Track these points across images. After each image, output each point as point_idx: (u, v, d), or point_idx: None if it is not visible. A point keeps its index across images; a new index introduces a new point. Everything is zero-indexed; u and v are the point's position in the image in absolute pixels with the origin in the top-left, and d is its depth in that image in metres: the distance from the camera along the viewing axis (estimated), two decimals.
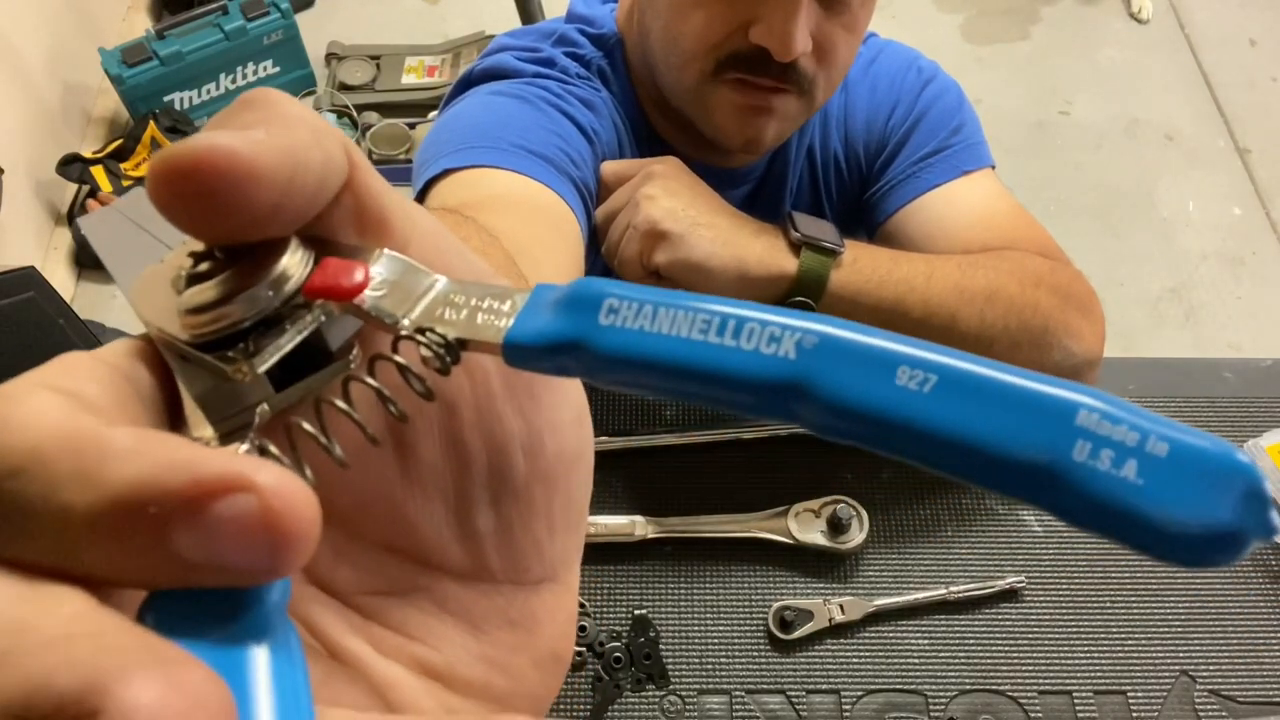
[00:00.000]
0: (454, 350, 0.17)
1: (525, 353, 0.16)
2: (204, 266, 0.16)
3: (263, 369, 0.16)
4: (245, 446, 0.16)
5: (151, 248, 0.18)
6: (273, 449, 0.16)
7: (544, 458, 0.20)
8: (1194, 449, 0.12)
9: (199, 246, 0.17)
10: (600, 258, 0.73)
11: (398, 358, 0.17)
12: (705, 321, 0.15)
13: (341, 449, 0.17)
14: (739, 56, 0.66)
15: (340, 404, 0.17)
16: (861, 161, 0.82)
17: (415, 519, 0.19)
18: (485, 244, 0.47)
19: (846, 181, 0.84)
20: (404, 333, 0.17)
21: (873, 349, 0.14)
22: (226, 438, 0.16)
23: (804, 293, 0.67)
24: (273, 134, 0.15)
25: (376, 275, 0.17)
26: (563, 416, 0.20)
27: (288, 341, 0.16)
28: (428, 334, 0.17)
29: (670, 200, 0.68)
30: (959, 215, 0.76)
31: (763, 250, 0.68)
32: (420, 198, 0.65)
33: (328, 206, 0.16)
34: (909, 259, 0.70)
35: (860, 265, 0.68)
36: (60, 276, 2.03)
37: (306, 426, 0.16)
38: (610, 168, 0.72)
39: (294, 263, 0.16)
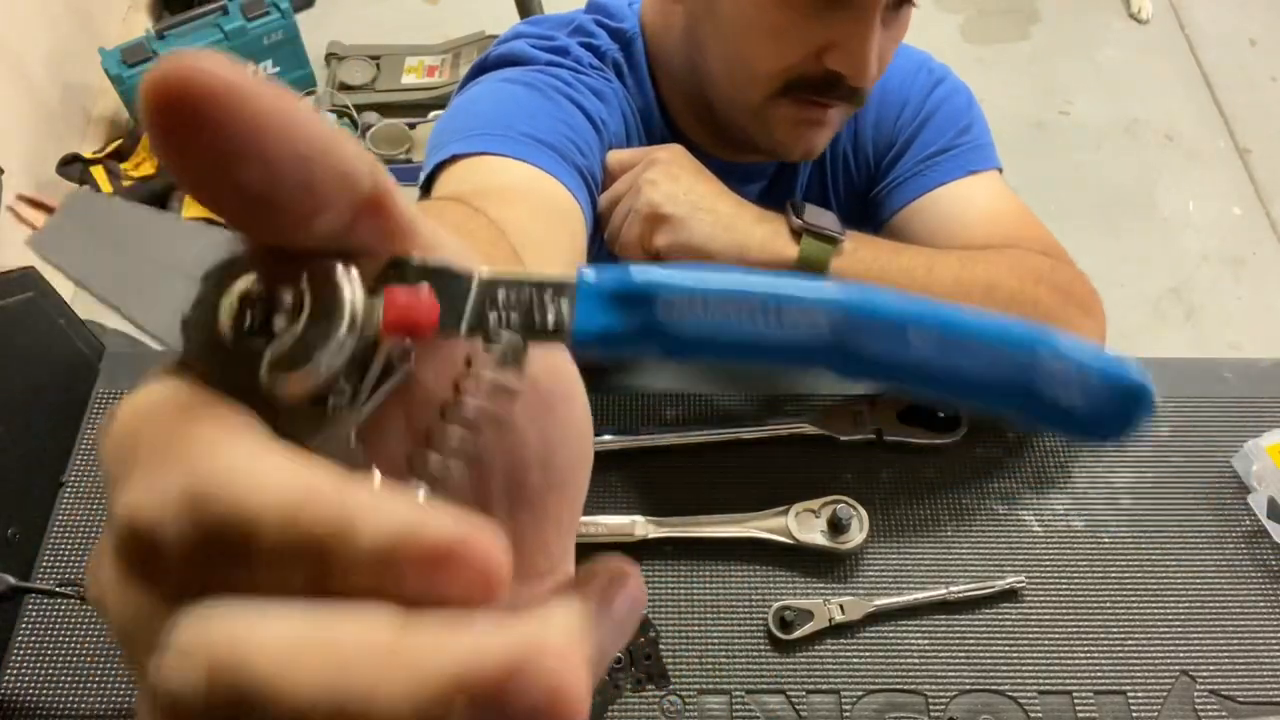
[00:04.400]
0: (521, 352, 0.17)
1: (590, 344, 0.18)
2: (257, 310, 0.16)
3: (366, 413, 0.16)
4: (422, 492, 0.17)
5: (136, 264, 0.17)
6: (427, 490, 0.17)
7: (557, 469, 0.20)
8: (1111, 374, 0.18)
9: (212, 268, 0.16)
10: (604, 245, 0.73)
11: (486, 371, 0.17)
12: (750, 310, 0.17)
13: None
14: (809, 80, 0.67)
15: (458, 430, 0.17)
16: (870, 160, 0.83)
17: None
18: (494, 238, 0.46)
19: (855, 179, 0.84)
20: (466, 339, 0.17)
21: (890, 316, 0.18)
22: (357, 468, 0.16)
23: None
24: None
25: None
26: (574, 429, 0.20)
27: (381, 381, 0.16)
28: (494, 340, 0.17)
29: (671, 184, 0.68)
30: (964, 213, 0.76)
31: (764, 236, 0.68)
32: (428, 181, 0.65)
33: (359, 221, 0.16)
34: (910, 251, 0.70)
35: (860, 254, 0.68)
36: (60, 276, 2.02)
37: (449, 463, 0.17)
38: (615, 156, 0.72)
39: (357, 296, 0.16)
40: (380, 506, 0.14)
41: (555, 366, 0.20)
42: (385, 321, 0.16)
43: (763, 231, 0.68)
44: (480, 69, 0.76)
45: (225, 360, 0.16)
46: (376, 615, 0.14)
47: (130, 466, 0.15)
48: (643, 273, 0.17)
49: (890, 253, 0.69)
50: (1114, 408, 0.18)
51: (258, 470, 0.14)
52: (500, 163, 0.62)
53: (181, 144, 0.14)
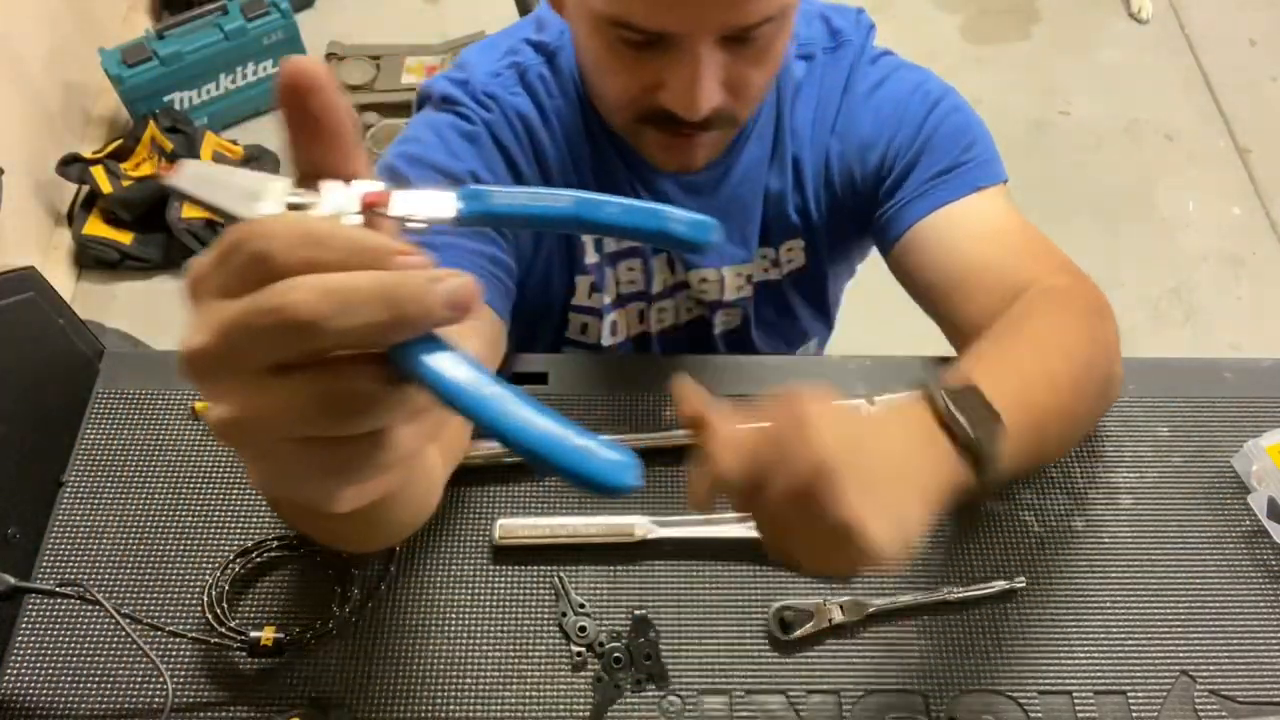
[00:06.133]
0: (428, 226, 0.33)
1: (465, 222, 0.34)
2: (298, 202, 0.32)
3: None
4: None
5: (230, 187, 0.32)
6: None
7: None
8: (693, 219, 0.35)
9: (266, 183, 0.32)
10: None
11: (407, 225, 0.33)
12: (536, 199, 0.35)
13: None
14: (655, 113, 0.67)
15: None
16: (855, 179, 0.82)
17: None
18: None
19: (837, 195, 0.83)
20: (401, 216, 0.32)
21: (602, 200, 0.34)
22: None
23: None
24: None
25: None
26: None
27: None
28: (414, 219, 0.33)
29: (833, 433, 0.52)
30: (971, 231, 0.76)
31: (941, 470, 0.54)
32: None
33: (350, 158, 0.32)
34: (1011, 381, 0.60)
35: (1010, 429, 0.57)
36: (60, 276, 2.03)
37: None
38: (731, 434, 0.54)
39: (348, 192, 0.32)
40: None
41: None
42: (363, 202, 0.31)
43: (931, 470, 0.54)
44: (421, 97, 0.81)
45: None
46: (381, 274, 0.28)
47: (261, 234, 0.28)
48: (476, 186, 0.35)
49: (1012, 404, 0.58)
50: (702, 231, 0.35)
51: (324, 222, 0.29)
52: None
53: (295, 106, 0.30)
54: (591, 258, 0.84)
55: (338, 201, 0.31)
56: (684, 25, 0.61)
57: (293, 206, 0.31)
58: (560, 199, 0.34)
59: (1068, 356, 0.65)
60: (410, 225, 0.32)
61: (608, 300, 0.87)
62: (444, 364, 0.28)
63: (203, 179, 0.32)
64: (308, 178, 0.31)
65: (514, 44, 0.80)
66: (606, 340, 0.89)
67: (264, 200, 0.31)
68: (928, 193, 0.77)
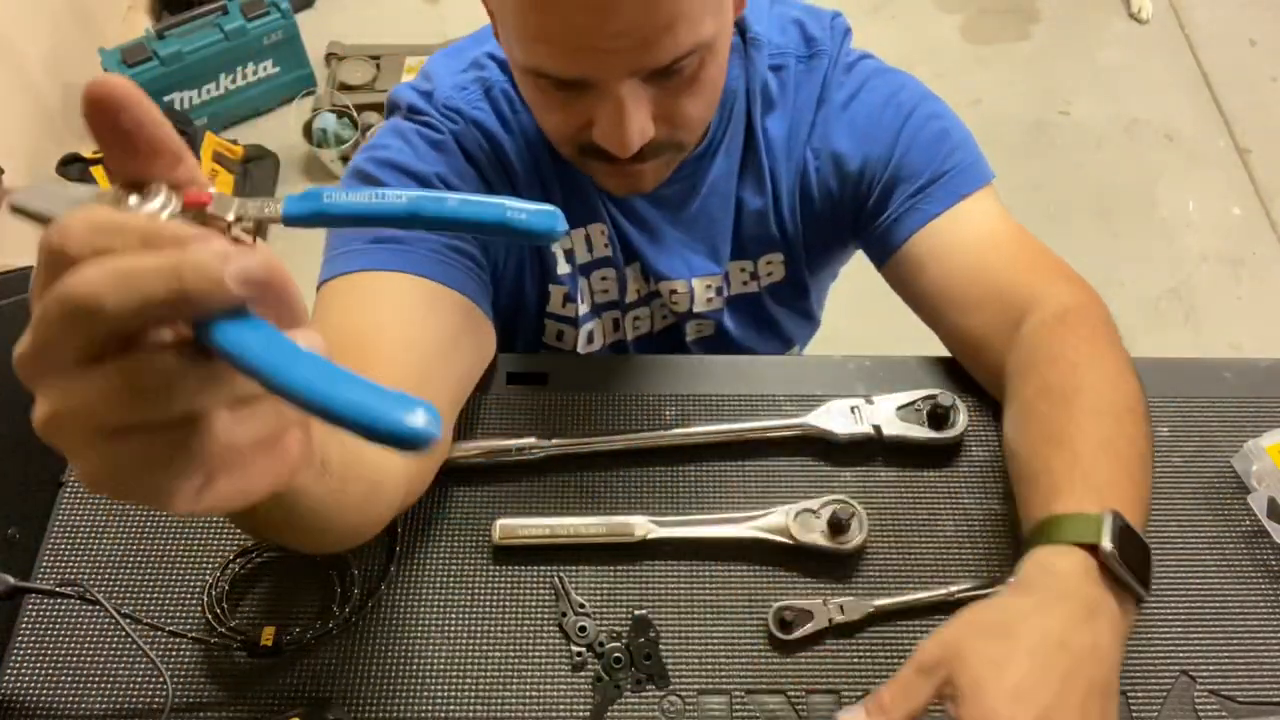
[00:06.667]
0: (255, 226, 0.33)
1: (292, 222, 0.33)
2: (121, 205, 0.31)
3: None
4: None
5: (62, 198, 0.33)
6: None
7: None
8: (538, 209, 0.34)
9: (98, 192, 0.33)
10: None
11: (234, 228, 0.33)
12: (368, 197, 0.34)
13: None
14: (592, 147, 0.67)
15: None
16: (834, 193, 0.82)
17: None
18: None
19: (816, 209, 0.83)
20: (228, 218, 0.33)
21: (441, 196, 0.34)
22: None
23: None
24: None
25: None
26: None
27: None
28: (241, 220, 0.33)
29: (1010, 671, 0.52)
30: (963, 240, 0.76)
31: (1113, 627, 0.56)
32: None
33: (173, 166, 0.32)
34: (1119, 478, 0.61)
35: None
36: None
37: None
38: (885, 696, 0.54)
39: (171, 194, 0.32)
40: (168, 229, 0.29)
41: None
42: (185, 201, 0.32)
43: (1110, 635, 0.55)
44: (390, 105, 0.81)
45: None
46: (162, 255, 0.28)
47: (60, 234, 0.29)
48: (316, 188, 0.33)
49: (1131, 503, 0.60)
50: (546, 221, 0.34)
51: (125, 215, 0.30)
52: (365, 284, 0.68)
53: (102, 124, 0.30)
54: (564, 268, 0.83)
55: (160, 201, 0.31)
56: (596, 73, 0.61)
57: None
58: (396, 199, 0.33)
59: (1133, 412, 0.65)
60: (239, 227, 0.33)
61: (584, 309, 0.87)
62: (242, 333, 0.28)
63: (39, 194, 0.33)
64: (135, 185, 0.32)
65: (479, 56, 0.79)
66: (583, 348, 0.89)
67: (89, 204, 0.31)
68: (913, 208, 0.77)
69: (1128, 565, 0.56)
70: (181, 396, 0.29)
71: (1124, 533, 0.57)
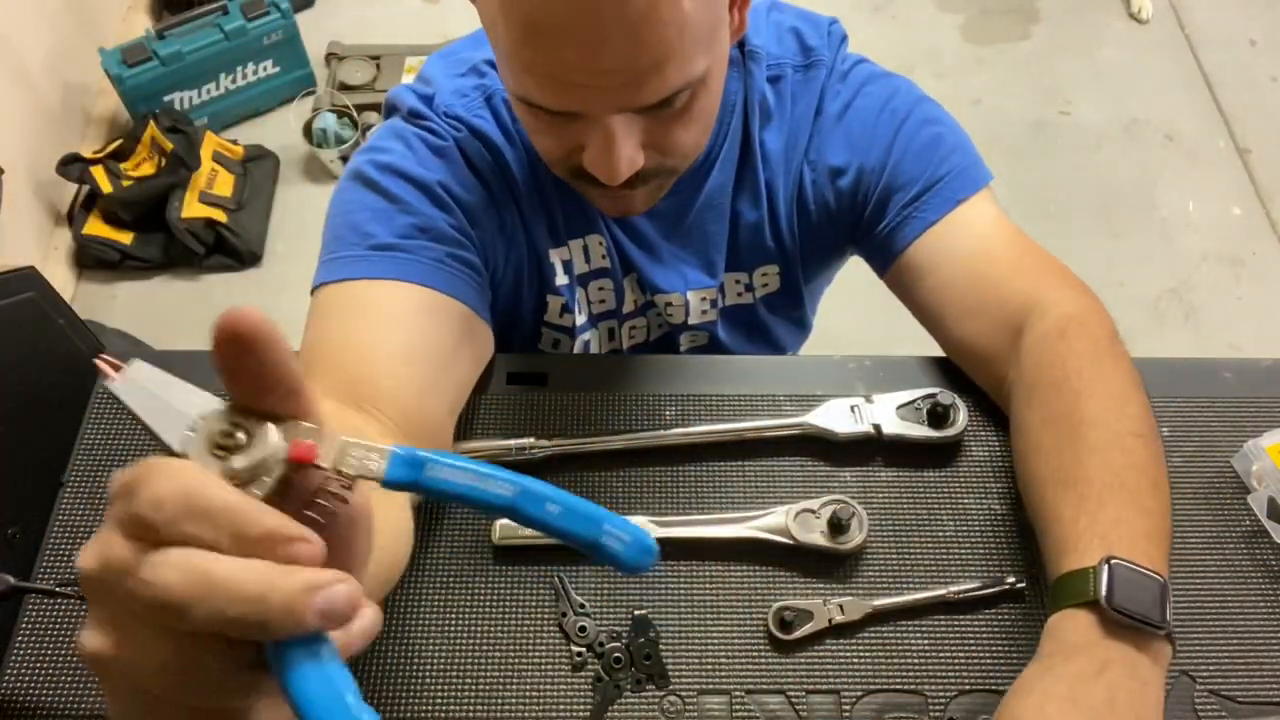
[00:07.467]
0: (351, 481, 0.33)
1: (391, 486, 0.33)
2: (228, 440, 0.31)
3: (269, 491, 0.31)
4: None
5: (166, 409, 0.32)
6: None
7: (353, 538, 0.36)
8: (639, 538, 0.34)
9: (206, 414, 0.32)
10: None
11: (333, 485, 0.33)
12: (471, 478, 0.33)
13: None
14: (583, 171, 0.66)
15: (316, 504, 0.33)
16: (830, 205, 0.82)
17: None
18: (364, 421, 0.59)
19: (812, 220, 0.83)
20: (327, 469, 0.32)
21: (538, 493, 0.33)
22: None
23: None
24: None
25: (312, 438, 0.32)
26: (361, 525, 0.36)
27: (282, 484, 0.32)
28: (342, 473, 0.32)
29: None
30: (961, 247, 0.76)
31: (1141, 679, 0.55)
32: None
33: (290, 398, 0.32)
34: (1135, 518, 0.61)
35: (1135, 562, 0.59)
36: (60, 276, 2.03)
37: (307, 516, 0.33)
38: None
39: (276, 440, 0.31)
40: (259, 512, 0.29)
41: (365, 497, 0.35)
42: (290, 456, 0.31)
43: (1128, 684, 0.55)
44: (389, 107, 0.80)
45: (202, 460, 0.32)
46: (261, 564, 0.28)
47: (144, 482, 0.29)
48: (420, 453, 0.33)
49: (1140, 538, 0.60)
50: (639, 555, 0.34)
51: (219, 491, 0.29)
52: (364, 293, 0.67)
53: (230, 356, 0.30)
54: (562, 279, 0.83)
55: (267, 449, 0.31)
56: (584, 108, 0.60)
57: (220, 447, 0.31)
58: (501, 490, 0.33)
59: (1140, 435, 0.64)
60: (336, 481, 0.33)
61: (582, 319, 0.87)
62: (303, 665, 0.28)
63: (142, 390, 0.32)
64: (245, 410, 0.32)
65: (479, 63, 0.78)
66: None
67: (194, 435, 0.31)
68: (910, 216, 0.77)
69: (1130, 608, 0.55)
70: (226, 695, 0.30)
71: (1124, 577, 0.56)
